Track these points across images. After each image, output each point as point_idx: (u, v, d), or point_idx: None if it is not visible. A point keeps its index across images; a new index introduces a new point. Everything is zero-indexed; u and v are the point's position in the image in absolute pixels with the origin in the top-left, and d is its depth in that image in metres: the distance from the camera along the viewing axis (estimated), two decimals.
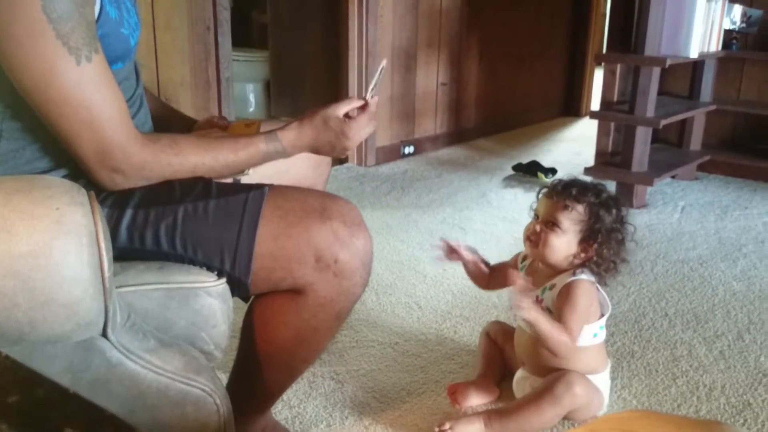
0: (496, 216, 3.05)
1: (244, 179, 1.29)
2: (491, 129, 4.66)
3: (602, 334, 1.62)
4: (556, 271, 1.59)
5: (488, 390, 1.70)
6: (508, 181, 3.62)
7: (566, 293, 1.54)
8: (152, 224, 1.10)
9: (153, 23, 2.76)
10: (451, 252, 1.71)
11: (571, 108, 5.48)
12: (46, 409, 0.46)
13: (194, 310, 1.08)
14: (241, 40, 4.52)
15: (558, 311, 1.55)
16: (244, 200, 1.13)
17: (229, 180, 1.27)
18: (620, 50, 3.43)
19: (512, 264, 1.73)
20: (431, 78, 4.13)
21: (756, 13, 3.54)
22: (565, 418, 1.58)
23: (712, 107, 3.52)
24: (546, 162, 3.79)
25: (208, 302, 1.09)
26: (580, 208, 1.54)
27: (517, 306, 1.46)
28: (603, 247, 1.54)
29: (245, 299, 1.26)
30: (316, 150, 1.27)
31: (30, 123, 1.09)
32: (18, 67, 1.00)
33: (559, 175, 3.50)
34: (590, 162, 3.56)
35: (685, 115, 3.36)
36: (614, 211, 1.56)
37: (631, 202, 3.16)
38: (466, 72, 4.38)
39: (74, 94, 1.03)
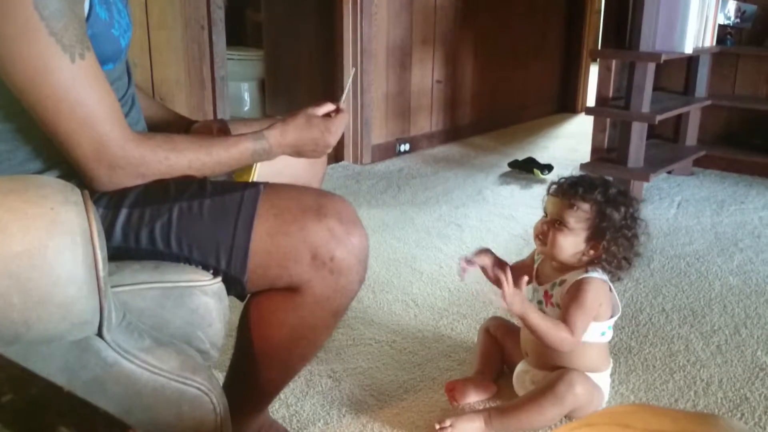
0: (493, 213, 3.05)
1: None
2: (487, 126, 4.66)
3: (609, 334, 1.62)
4: (568, 267, 1.59)
5: (486, 387, 1.70)
6: (504, 177, 3.62)
7: (574, 290, 1.54)
8: (147, 223, 1.10)
9: (147, 22, 2.75)
10: (469, 262, 1.65)
11: (567, 104, 5.48)
12: (39, 407, 0.46)
13: (190, 309, 1.08)
14: (235, 39, 4.52)
15: (564, 307, 1.55)
16: (239, 198, 1.13)
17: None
18: (615, 46, 3.43)
19: (529, 261, 1.72)
20: (426, 75, 4.13)
21: (750, 8, 3.55)
22: (565, 416, 1.58)
23: (707, 102, 3.52)
24: (542, 158, 3.79)
25: (204, 301, 1.09)
26: (586, 206, 1.54)
27: (509, 303, 1.46)
28: (612, 244, 1.53)
29: (241, 298, 1.26)
30: (299, 149, 1.29)
31: (22, 124, 1.09)
32: (11, 66, 0.99)
33: (555, 172, 3.52)
34: (586, 158, 3.56)
35: (680, 111, 3.36)
36: (623, 207, 1.55)
37: None
38: (462, 69, 4.38)
39: (70, 91, 1.02)
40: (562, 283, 1.59)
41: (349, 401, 1.67)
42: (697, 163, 3.68)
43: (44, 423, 0.44)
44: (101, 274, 0.92)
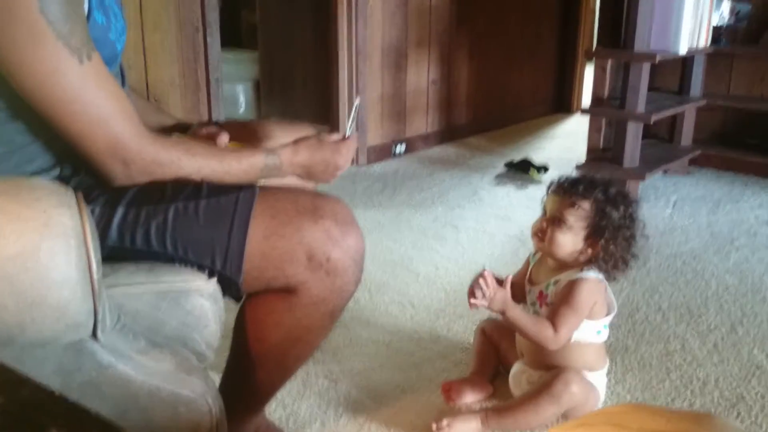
0: (489, 214, 3.05)
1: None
2: (482, 127, 4.66)
3: (605, 333, 1.63)
4: (563, 266, 1.60)
5: (482, 387, 1.70)
6: (500, 178, 3.62)
7: (567, 289, 1.55)
8: (143, 223, 1.10)
9: (141, 24, 2.75)
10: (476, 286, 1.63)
11: (563, 104, 5.48)
12: (31, 410, 0.45)
13: (185, 310, 1.08)
14: (230, 41, 4.51)
15: (555, 303, 1.55)
16: (234, 200, 1.12)
17: None
18: (610, 46, 3.43)
19: (524, 269, 1.73)
20: (422, 76, 4.13)
21: (745, 8, 3.55)
22: (561, 415, 1.58)
23: (702, 102, 3.53)
24: (538, 159, 3.79)
25: (199, 303, 1.09)
26: (587, 204, 1.54)
27: (488, 299, 1.46)
28: (610, 243, 1.54)
29: (237, 299, 1.25)
30: (309, 169, 1.28)
31: (18, 127, 1.09)
32: (20, 71, 1.00)
33: (551, 172, 3.52)
34: (582, 158, 3.56)
35: (675, 111, 3.37)
36: (622, 207, 1.55)
37: None
38: (457, 70, 4.38)
39: (81, 92, 1.03)
40: (556, 283, 1.59)
41: (345, 402, 1.67)
42: (693, 162, 3.68)
43: (35, 426, 0.43)
44: (95, 276, 0.91)
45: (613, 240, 1.54)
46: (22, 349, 0.90)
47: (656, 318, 2.10)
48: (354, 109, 1.41)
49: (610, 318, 1.61)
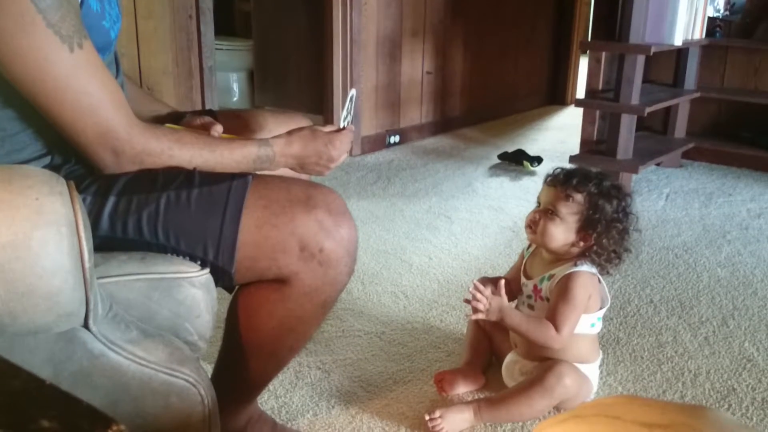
0: (482, 205, 3.05)
1: None
2: (477, 118, 4.66)
3: (599, 326, 1.63)
4: (558, 258, 1.60)
5: (475, 378, 1.70)
6: (494, 169, 3.62)
7: (563, 285, 1.55)
8: (134, 212, 1.09)
9: (134, 11, 2.73)
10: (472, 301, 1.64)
11: (557, 96, 5.48)
12: (22, 400, 0.45)
13: (177, 300, 1.07)
14: (224, 29, 4.48)
15: (553, 301, 1.56)
16: (227, 189, 1.12)
17: None
18: (605, 38, 3.43)
19: (517, 266, 1.73)
20: (416, 67, 4.12)
21: (739, 0, 3.55)
22: (554, 407, 1.59)
23: (696, 95, 3.53)
24: (532, 151, 3.79)
25: (192, 292, 1.08)
26: (580, 197, 1.54)
27: (485, 310, 1.50)
28: (602, 236, 1.54)
29: (229, 289, 1.25)
30: (302, 161, 1.28)
31: (9, 115, 1.08)
32: (11, 60, 0.99)
33: (545, 164, 3.53)
34: (576, 150, 3.57)
35: (669, 103, 3.37)
36: (615, 201, 1.55)
37: None
38: (452, 61, 4.37)
39: (72, 81, 1.03)
40: (551, 277, 1.59)
41: (338, 392, 1.67)
42: (686, 155, 3.69)
43: (26, 416, 0.43)
44: (87, 265, 0.91)
45: (605, 234, 1.54)
46: (13, 338, 0.90)
47: (648, 310, 2.10)
48: (349, 99, 1.41)
49: (603, 311, 1.62)
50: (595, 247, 1.55)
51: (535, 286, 1.63)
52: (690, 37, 3.25)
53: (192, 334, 1.11)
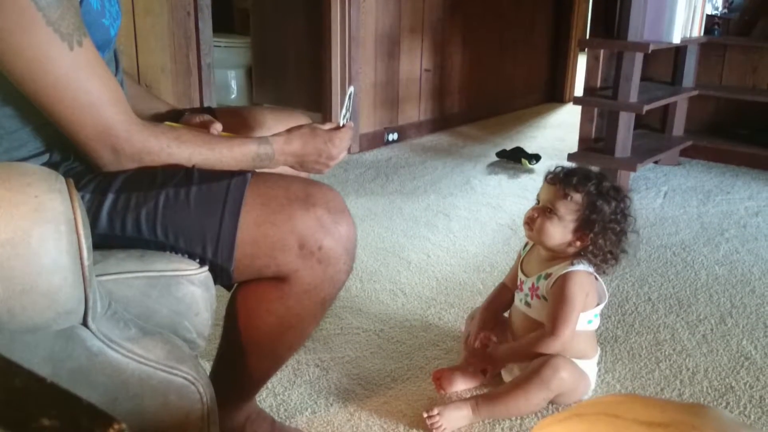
0: (480, 202, 3.05)
1: None
2: (475, 115, 4.66)
3: (596, 322, 1.64)
4: (555, 256, 1.60)
5: (473, 375, 1.70)
6: (492, 167, 3.62)
7: (560, 287, 1.55)
8: (133, 210, 1.09)
9: (132, 9, 2.72)
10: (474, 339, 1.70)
11: (555, 94, 5.48)
12: (21, 398, 0.45)
13: (176, 298, 1.07)
14: (222, 26, 4.48)
15: (551, 303, 1.56)
16: (226, 187, 1.12)
17: None
18: (603, 36, 3.43)
19: (515, 269, 1.74)
20: (415, 64, 4.11)
21: None
22: (551, 402, 1.59)
23: (695, 93, 3.53)
24: (530, 148, 3.79)
25: (190, 290, 1.08)
26: (578, 197, 1.55)
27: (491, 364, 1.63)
28: (599, 237, 1.54)
29: (228, 287, 1.25)
30: (302, 158, 1.27)
31: (8, 112, 1.08)
32: (11, 58, 0.99)
33: (543, 162, 3.53)
34: (574, 148, 3.57)
35: (667, 101, 3.37)
36: (614, 202, 1.56)
37: None
38: (450, 58, 4.37)
39: (72, 79, 1.03)
40: (547, 276, 1.59)
41: (336, 390, 1.67)
42: (684, 153, 3.69)
43: (27, 414, 0.43)
44: (86, 262, 0.90)
45: (602, 234, 1.54)
46: (12, 336, 0.90)
47: (646, 308, 2.11)
48: (348, 97, 1.40)
49: (601, 307, 1.62)
50: (591, 248, 1.55)
51: (532, 285, 1.63)
52: (688, 35, 3.25)
53: (191, 331, 1.10)
